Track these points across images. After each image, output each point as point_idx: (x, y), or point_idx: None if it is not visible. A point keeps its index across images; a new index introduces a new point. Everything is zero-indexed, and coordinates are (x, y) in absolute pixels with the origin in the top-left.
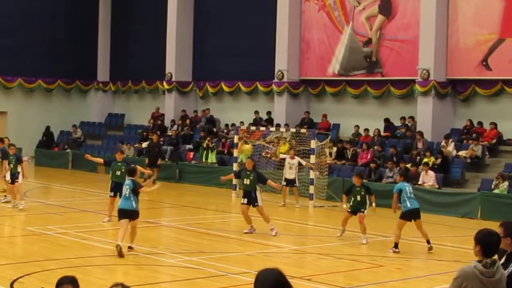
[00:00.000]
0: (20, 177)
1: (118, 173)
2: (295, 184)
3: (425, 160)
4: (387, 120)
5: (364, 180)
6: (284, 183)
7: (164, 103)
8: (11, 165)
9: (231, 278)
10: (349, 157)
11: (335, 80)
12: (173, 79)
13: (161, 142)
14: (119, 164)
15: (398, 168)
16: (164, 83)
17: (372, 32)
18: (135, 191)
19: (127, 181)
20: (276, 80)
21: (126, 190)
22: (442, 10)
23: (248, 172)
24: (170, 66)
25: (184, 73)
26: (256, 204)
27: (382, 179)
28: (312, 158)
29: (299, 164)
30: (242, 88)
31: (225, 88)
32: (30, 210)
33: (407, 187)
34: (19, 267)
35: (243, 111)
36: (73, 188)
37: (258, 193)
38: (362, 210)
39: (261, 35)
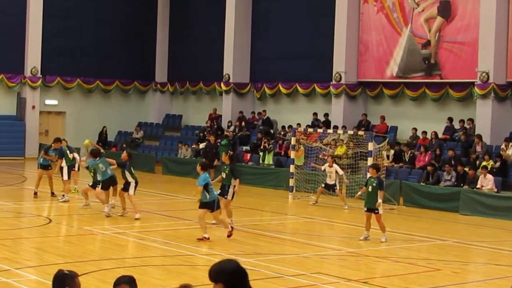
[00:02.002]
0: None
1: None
2: (335, 188)
3: (484, 163)
4: (450, 120)
5: (422, 183)
6: (323, 185)
7: (222, 104)
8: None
9: (287, 279)
10: (407, 159)
11: (393, 82)
12: (231, 80)
13: (218, 143)
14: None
15: (456, 171)
16: (222, 85)
17: (431, 34)
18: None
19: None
20: (333, 82)
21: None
22: (503, 12)
23: (224, 166)
24: (228, 68)
25: (241, 74)
26: (225, 196)
27: (439, 182)
28: (370, 161)
29: (337, 172)
30: (300, 89)
31: (283, 90)
32: (87, 210)
33: None
34: (77, 266)
35: (300, 113)
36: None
37: (231, 187)
38: (377, 211)
39: (319, 37)
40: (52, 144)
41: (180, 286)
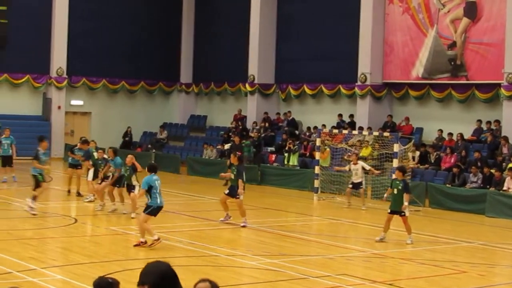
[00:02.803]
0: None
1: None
2: (361, 187)
3: (510, 165)
4: (479, 122)
5: (448, 185)
6: (350, 186)
7: (247, 105)
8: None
9: (312, 281)
10: (432, 161)
11: (419, 83)
12: (256, 81)
13: (243, 144)
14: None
15: (482, 173)
16: (247, 85)
17: (457, 35)
18: None
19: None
20: (359, 83)
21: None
22: None
23: (233, 167)
24: (253, 69)
25: (266, 75)
26: (237, 197)
27: (465, 184)
28: (395, 162)
29: (363, 168)
30: (325, 90)
31: (308, 91)
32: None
33: None
34: (102, 266)
35: (325, 114)
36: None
37: (240, 188)
38: (403, 213)
39: (344, 38)
40: (78, 144)
41: (199, 281)
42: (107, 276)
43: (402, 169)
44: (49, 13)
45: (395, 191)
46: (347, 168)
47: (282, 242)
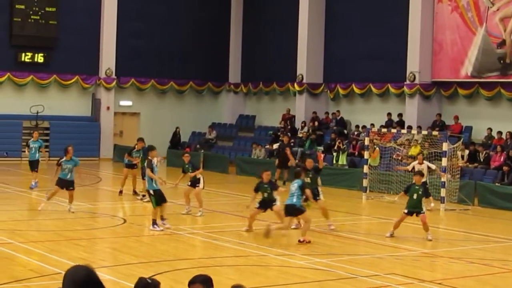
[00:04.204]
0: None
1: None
2: (426, 186)
3: None
4: None
5: (497, 183)
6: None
7: (295, 104)
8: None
9: (360, 280)
10: (482, 160)
11: (468, 82)
12: (304, 80)
13: (291, 144)
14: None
15: None
16: (295, 85)
17: (506, 33)
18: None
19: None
20: (407, 82)
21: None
22: None
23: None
24: (301, 68)
25: (315, 74)
26: (317, 198)
27: None
28: (444, 161)
29: (429, 168)
30: (373, 90)
31: (356, 90)
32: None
33: None
34: (151, 266)
35: (374, 113)
36: (204, 189)
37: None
38: (422, 212)
39: (392, 37)
40: (136, 146)
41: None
42: (149, 277)
43: (421, 174)
44: (98, 13)
45: (415, 196)
46: (409, 167)
47: (331, 242)
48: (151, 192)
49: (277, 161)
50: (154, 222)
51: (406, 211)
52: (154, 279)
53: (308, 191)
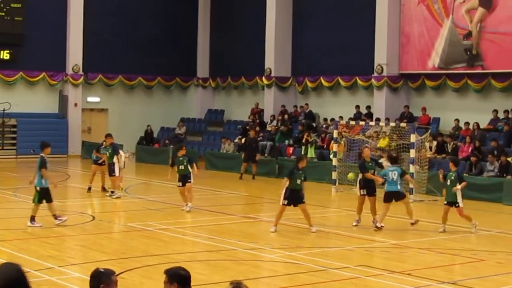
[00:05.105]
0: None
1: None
2: None
3: None
4: (495, 112)
5: (465, 174)
6: None
7: (264, 98)
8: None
9: (331, 273)
10: (450, 151)
11: (435, 73)
12: (273, 74)
13: (259, 138)
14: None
15: (499, 161)
16: (264, 79)
17: (473, 25)
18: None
19: (395, 167)
20: (375, 74)
21: (394, 175)
22: None
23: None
24: (270, 62)
25: (283, 68)
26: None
27: (482, 173)
28: (412, 152)
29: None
30: (342, 82)
31: (325, 83)
32: (131, 206)
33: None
34: (121, 263)
35: (342, 106)
36: (173, 184)
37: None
38: (457, 204)
39: (360, 30)
40: (104, 142)
41: (231, 283)
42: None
43: (455, 161)
44: (65, 9)
45: (448, 182)
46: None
47: (300, 235)
48: (38, 189)
49: (243, 155)
50: (33, 219)
51: (445, 202)
52: (108, 269)
53: (408, 176)
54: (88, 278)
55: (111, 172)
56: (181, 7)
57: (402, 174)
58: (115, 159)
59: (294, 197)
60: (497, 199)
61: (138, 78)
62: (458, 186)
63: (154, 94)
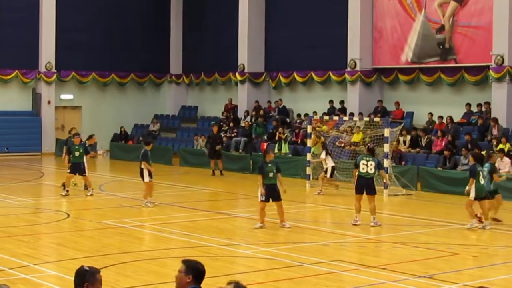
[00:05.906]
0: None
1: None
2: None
3: (501, 146)
4: (468, 105)
5: (439, 168)
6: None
7: (237, 94)
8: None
9: (306, 268)
10: (423, 145)
11: (408, 68)
12: (246, 70)
13: (233, 134)
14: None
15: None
16: (237, 75)
17: (445, 18)
18: None
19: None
20: (348, 69)
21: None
22: None
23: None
24: (243, 58)
25: (256, 64)
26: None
27: (457, 167)
28: (386, 147)
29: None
30: (315, 78)
31: (298, 78)
32: (105, 204)
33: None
34: (96, 260)
35: (316, 101)
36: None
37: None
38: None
39: (333, 24)
40: (87, 141)
41: (230, 282)
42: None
43: (474, 155)
44: (37, 7)
45: (481, 180)
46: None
47: (275, 230)
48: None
49: (207, 152)
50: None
51: (475, 197)
52: (92, 267)
53: (383, 172)
54: (63, 276)
55: (82, 171)
56: (154, 4)
57: (378, 167)
58: (84, 159)
59: (272, 193)
60: None
61: (112, 75)
62: (500, 177)
63: (128, 91)
